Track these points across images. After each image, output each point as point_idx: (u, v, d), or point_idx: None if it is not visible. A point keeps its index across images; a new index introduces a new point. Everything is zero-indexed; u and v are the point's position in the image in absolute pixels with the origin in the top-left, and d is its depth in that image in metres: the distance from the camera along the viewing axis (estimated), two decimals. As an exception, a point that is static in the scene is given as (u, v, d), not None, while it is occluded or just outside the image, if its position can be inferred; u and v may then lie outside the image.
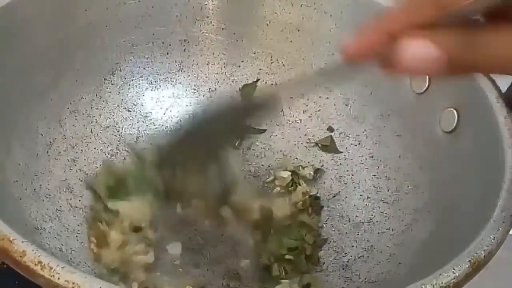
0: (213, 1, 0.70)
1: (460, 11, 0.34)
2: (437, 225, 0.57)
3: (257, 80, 0.72)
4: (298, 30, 0.70)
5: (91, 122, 0.66)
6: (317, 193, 0.66)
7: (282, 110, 0.72)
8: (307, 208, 0.65)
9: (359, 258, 0.60)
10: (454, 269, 0.42)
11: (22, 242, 0.40)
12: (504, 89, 0.58)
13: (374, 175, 0.66)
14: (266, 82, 0.72)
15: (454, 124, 0.59)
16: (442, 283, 0.42)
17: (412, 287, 0.41)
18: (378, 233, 0.62)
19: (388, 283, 0.56)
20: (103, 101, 0.67)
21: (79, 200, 0.61)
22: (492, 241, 0.45)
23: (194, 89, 0.72)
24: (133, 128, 0.69)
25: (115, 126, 0.68)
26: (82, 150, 0.64)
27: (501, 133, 0.53)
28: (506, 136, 0.53)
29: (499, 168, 0.50)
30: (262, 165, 0.69)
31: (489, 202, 0.48)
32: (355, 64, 0.40)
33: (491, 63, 0.34)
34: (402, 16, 0.36)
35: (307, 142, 0.71)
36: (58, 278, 0.38)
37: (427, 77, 0.63)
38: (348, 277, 0.59)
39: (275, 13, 0.70)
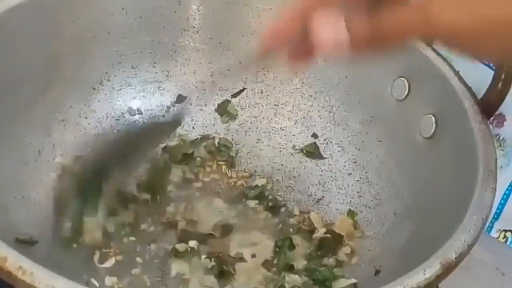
0: (199, 12, 0.72)
1: None
2: (416, 228, 0.58)
3: (243, 90, 0.73)
4: (282, 39, 0.72)
5: (80, 131, 0.68)
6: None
7: (268, 117, 0.73)
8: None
9: (341, 261, 0.62)
10: (425, 270, 0.44)
11: (5, 248, 0.41)
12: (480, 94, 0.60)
13: (357, 180, 0.68)
14: (252, 91, 0.74)
15: (433, 130, 0.61)
16: (412, 284, 0.43)
17: (383, 288, 0.43)
18: (360, 237, 0.63)
19: (368, 285, 0.57)
20: (91, 110, 0.69)
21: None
22: (463, 243, 0.46)
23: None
24: (121, 136, 0.70)
25: (104, 135, 0.69)
26: (70, 159, 0.66)
27: (475, 139, 0.55)
28: (479, 141, 0.54)
29: (472, 173, 0.52)
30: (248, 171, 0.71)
31: (463, 205, 0.50)
32: (271, 53, 0.43)
33: (391, 34, 0.38)
34: None
35: (292, 149, 0.72)
36: (39, 283, 0.39)
37: (407, 84, 0.64)
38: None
39: (260, 23, 0.72)
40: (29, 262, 0.40)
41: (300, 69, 0.45)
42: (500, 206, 0.74)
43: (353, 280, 0.57)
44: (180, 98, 0.73)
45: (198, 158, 0.70)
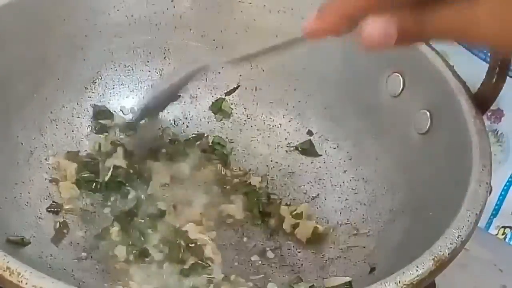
0: (192, 9, 0.71)
1: None
2: (410, 224, 0.58)
3: (237, 87, 0.73)
4: (276, 36, 0.71)
5: (72, 131, 0.67)
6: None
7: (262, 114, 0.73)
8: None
9: (336, 259, 0.61)
10: (417, 267, 0.44)
11: (-9, 249, 0.41)
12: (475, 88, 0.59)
13: (353, 177, 0.67)
14: (246, 88, 0.73)
15: (428, 126, 0.60)
16: (405, 281, 0.43)
17: (376, 285, 0.42)
18: (356, 234, 0.63)
19: (363, 283, 0.56)
20: (84, 110, 0.68)
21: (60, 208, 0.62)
22: (456, 239, 0.46)
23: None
24: (114, 135, 0.69)
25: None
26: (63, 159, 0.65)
27: (469, 134, 0.54)
28: (474, 136, 0.54)
29: (467, 168, 0.51)
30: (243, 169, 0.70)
31: (457, 201, 0.49)
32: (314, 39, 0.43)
33: (435, 33, 0.39)
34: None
35: (287, 146, 0.72)
36: (26, 283, 0.39)
37: (402, 80, 0.64)
38: (325, 278, 0.59)
39: (254, 19, 0.71)
40: (17, 263, 0.40)
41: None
42: (498, 202, 0.73)
43: (348, 278, 0.57)
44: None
45: (192, 157, 0.70)
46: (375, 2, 0.39)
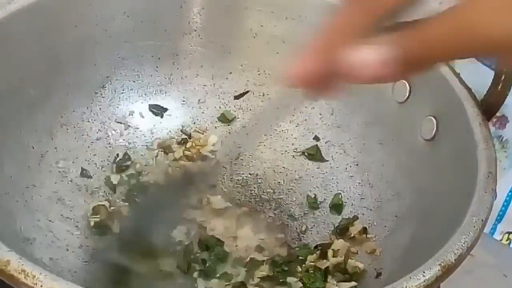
0: (200, 15, 0.72)
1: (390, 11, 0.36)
2: (416, 230, 0.58)
3: (247, 92, 0.74)
4: (284, 42, 0.72)
5: (83, 135, 0.68)
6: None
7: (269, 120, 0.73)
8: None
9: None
10: (424, 272, 0.44)
11: (7, 251, 0.41)
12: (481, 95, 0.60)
13: (359, 183, 0.68)
14: (254, 94, 0.74)
15: (434, 132, 0.61)
16: (412, 286, 0.43)
17: (382, 290, 0.43)
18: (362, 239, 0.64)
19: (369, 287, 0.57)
20: (94, 114, 0.69)
21: (70, 211, 0.63)
22: (462, 245, 0.46)
23: (184, 101, 0.74)
24: (124, 140, 0.70)
25: (106, 139, 0.70)
26: (73, 162, 0.66)
27: (475, 140, 0.55)
28: (480, 143, 0.54)
29: (472, 175, 0.52)
30: (250, 174, 0.71)
31: (463, 207, 0.50)
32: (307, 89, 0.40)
33: (442, 48, 0.34)
34: (339, 29, 0.37)
35: (294, 151, 0.72)
36: (41, 286, 0.40)
37: (408, 87, 0.64)
38: (330, 282, 0.60)
39: (261, 26, 0.72)
40: (32, 265, 0.41)
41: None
42: (503, 208, 0.74)
43: (354, 283, 0.58)
44: None
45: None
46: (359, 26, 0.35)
